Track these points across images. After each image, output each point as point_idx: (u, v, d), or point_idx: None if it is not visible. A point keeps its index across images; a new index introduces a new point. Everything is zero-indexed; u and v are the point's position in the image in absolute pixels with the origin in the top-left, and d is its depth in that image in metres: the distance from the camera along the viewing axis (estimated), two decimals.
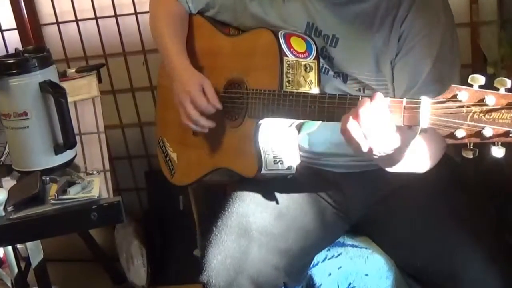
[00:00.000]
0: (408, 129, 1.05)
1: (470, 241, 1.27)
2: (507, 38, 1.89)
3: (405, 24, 1.28)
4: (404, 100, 1.01)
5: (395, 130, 1.04)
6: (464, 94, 0.93)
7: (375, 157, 1.09)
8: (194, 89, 1.42)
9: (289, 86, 1.30)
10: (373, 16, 1.31)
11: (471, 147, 0.95)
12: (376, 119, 1.02)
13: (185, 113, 1.44)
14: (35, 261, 1.63)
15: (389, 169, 1.20)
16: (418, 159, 1.21)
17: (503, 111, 0.91)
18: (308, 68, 1.32)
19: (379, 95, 1.03)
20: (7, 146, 1.58)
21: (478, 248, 1.26)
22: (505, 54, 1.90)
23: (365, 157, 1.11)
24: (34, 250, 1.63)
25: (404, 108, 1.01)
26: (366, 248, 1.44)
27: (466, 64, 2.02)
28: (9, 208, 1.30)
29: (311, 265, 1.43)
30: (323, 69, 1.38)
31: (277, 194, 1.43)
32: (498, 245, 1.32)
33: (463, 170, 1.50)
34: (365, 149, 1.05)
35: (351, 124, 1.04)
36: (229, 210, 1.42)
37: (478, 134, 0.93)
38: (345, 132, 1.06)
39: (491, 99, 0.91)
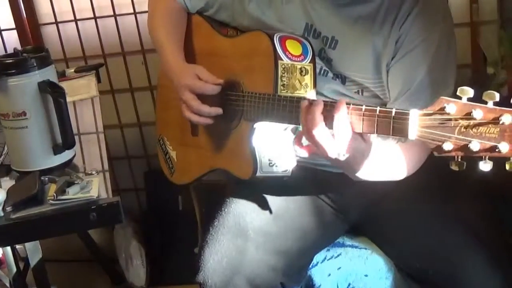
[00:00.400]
0: (361, 139, 1.08)
1: (470, 242, 1.28)
2: (507, 37, 1.89)
3: (404, 27, 1.27)
4: (393, 110, 1.01)
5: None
6: (452, 107, 0.92)
7: (336, 163, 1.13)
8: (189, 79, 1.40)
9: (284, 90, 1.28)
10: (375, 18, 1.30)
11: (459, 160, 0.94)
12: (348, 126, 1.06)
13: (187, 106, 1.41)
14: (33, 262, 1.63)
15: (355, 179, 1.22)
16: (389, 165, 1.22)
17: (490, 125, 0.89)
18: (304, 71, 1.30)
19: (343, 106, 1.06)
20: (5, 146, 1.57)
21: (478, 249, 1.27)
22: (505, 54, 1.90)
23: (331, 162, 1.14)
24: (33, 250, 1.63)
25: (393, 119, 1.00)
26: (365, 249, 1.44)
27: (466, 64, 2.02)
28: (8, 208, 1.30)
29: (310, 266, 1.43)
30: (322, 70, 1.37)
31: (275, 195, 1.42)
32: (498, 245, 1.32)
33: (462, 170, 1.49)
34: (332, 153, 1.09)
35: (322, 128, 1.07)
36: (226, 210, 1.42)
37: (465, 147, 0.91)
38: (312, 133, 1.08)
39: (478, 113, 0.89)
